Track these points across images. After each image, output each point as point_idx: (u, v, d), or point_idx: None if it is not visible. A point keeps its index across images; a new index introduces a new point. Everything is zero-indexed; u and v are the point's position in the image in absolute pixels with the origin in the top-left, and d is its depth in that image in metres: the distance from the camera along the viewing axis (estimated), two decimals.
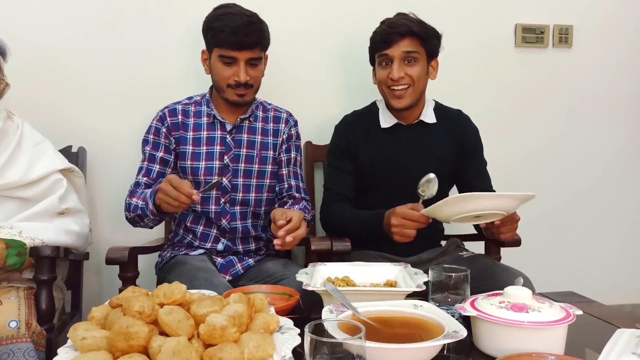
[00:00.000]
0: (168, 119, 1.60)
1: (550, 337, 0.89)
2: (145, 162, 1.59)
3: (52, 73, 1.86)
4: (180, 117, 1.60)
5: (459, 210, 1.25)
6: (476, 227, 1.67)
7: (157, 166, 1.58)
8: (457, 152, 1.65)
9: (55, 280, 1.38)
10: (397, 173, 1.61)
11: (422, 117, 1.63)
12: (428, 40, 1.56)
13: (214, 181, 1.48)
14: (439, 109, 1.68)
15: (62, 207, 1.46)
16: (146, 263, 1.73)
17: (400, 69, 1.53)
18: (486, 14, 2.14)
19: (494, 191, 1.64)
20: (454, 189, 1.74)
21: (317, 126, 1.99)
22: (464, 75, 2.10)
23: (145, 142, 1.60)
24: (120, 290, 1.39)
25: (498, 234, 1.40)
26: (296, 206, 1.60)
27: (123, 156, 1.91)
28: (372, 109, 1.71)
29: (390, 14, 1.62)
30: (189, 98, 1.66)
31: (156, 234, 1.89)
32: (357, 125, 1.68)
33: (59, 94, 1.87)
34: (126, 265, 1.46)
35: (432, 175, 1.41)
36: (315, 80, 2.03)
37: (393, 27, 1.54)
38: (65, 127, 1.86)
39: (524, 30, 2.16)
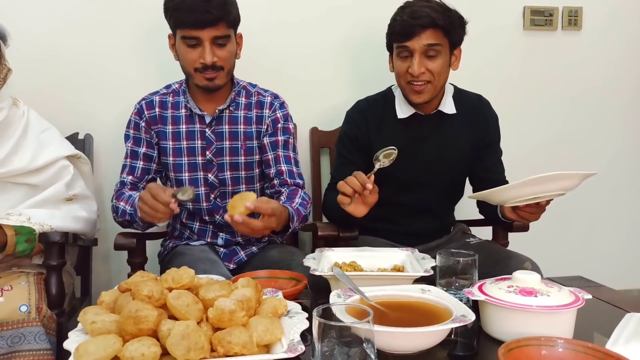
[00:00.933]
0: (145, 112, 1.51)
1: (559, 321, 0.89)
2: (128, 160, 1.52)
3: (58, 61, 1.85)
4: (157, 109, 1.52)
5: (523, 194, 1.19)
6: (487, 213, 1.58)
7: (141, 162, 1.52)
8: (476, 143, 1.57)
9: (64, 265, 1.39)
10: (412, 166, 1.52)
11: (441, 107, 1.54)
12: (452, 31, 1.45)
13: (187, 194, 1.22)
14: (458, 95, 1.59)
15: (70, 193, 1.47)
16: (154, 249, 1.74)
17: (420, 64, 1.42)
18: None
19: (507, 182, 1.60)
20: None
21: (324, 112, 1.98)
22: (472, 59, 2.06)
23: (126, 137, 1.53)
24: (129, 276, 1.41)
25: (529, 217, 1.32)
26: (295, 199, 1.46)
27: None
28: (388, 95, 1.61)
29: None
30: (167, 87, 1.57)
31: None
32: (370, 114, 1.58)
33: (66, 82, 1.86)
34: (134, 251, 1.48)
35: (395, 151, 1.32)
36: (322, 65, 2.01)
37: (415, 18, 1.40)
38: (72, 115, 1.85)
39: (532, 12, 2.12)
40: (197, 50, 1.40)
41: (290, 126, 1.60)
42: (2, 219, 1.31)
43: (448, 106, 1.55)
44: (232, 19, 1.43)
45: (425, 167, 1.55)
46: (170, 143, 1.52)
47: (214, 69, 1.42)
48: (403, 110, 1.55)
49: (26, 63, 1.81)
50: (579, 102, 2.22)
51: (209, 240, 1.59)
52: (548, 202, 1.26)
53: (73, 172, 1.50)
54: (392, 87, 1.63)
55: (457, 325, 0.84)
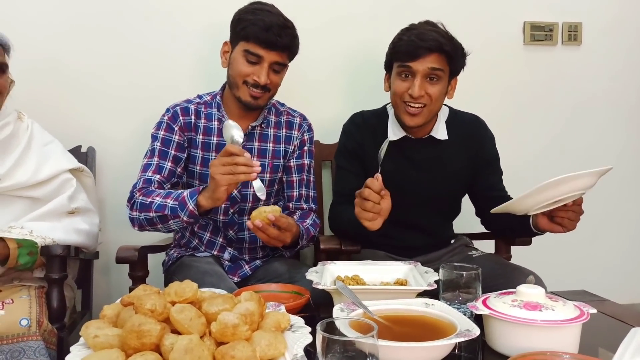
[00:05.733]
0: (181, 117, 1.52)
1: (564, 336, 0.88)
2: (156, 158, 1.49)
3: (61, 74, 1.87)
4: (193, 117, 1.53)
5: (543, 199, 1.21)
6: (507, 228, 1.55)
7: (169, 163, 1.49)
8: (471, 166, 1.57)
9: (66, 279, 1.39)
10: (403, 187, 1.50)
11: (432, 133, 1.54)
12: (455, 59, 1.45)
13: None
14: (452, 118, 1.59)
15: (72, 206, 1.47)
16: (155, 262, 1.73)
17: (421, 87, 1.42)
18: (494, 12, 2.12)
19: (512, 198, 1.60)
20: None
21: (324, 125, 1.98)
22: (472, 74, 2.05)
23: (154, 138, 1.51)
24: (131, 289, 1.40)
25: (567, 223, 1.33)
26: (306, 220, 1.54)
27: (132, 156, 1.90)
28: (382, 115, 1.61)
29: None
30: (199, 97, 1.59)
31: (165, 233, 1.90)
32: (365, 129, 1.59)
33: (69, 95, 1.87)
34: (136, 264, 1.46)
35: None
36: (323, 78, 2.03)
37: (422, 40, 1.40)
38: (75, 128, 1.86)
39: (532, 28, 2.14)
40: (254, 67, 1.44)
41: (313, 149, 1.67)
42: (4, 232, 1.31)
43: (440, 132, 1.55)
44: (294, 52, 1.51)
45: (417, 188, 1.54)
46: (200, 152, 1.53)
47: (263, 89, 1.46)
48: (395, 132, 1.55)
49: (29, 75, 1.82)
50: (579, 116, 2.23)
51: (215, 252, 1.59)
52: (579, 204, 1.30)
53: (75, 186, 1.50)
54: (387, 106, 1.62)
55: (462, 339, 0.83)
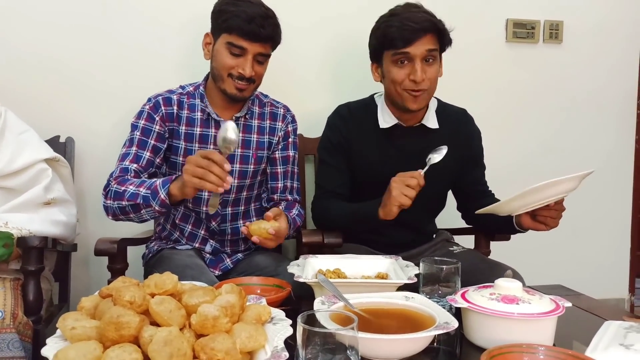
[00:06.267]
0: (162, 107, 1.49)
1: (540, 329, 0.90)
2: (134, 148, 1.45)
3: (41, 64, 1.83)
4: (175, 107, 1.50)
5: (528, 202, 1.25)
6: (490, 224, 1.57)
7: (148, 153, 1.46)
8: (459, 159, 1.56)
9: (42, 271, 1.36)
10: (392, 176, 1.46)
11: (424, 121, 1.53)
12: (445, 36, 1.44)
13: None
14: (442, 109, 1.58)
15: (48, 197, 1.44)
16: (134, 255, 1.71)
17: (422, 70, 1.40)
18: (477, 9, 2.14)
19: (493, 195, 1.63)
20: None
21: (307, 118, 1.97)
22: (455, 70, 2.09)
23: (134, 127, 1.48)
24: (109, 282, 1.39)
25: (550, 222, 1.36)
26: (292, 211, 1.56)
27: (112, 148, 1.87)
28: (370, 104, 1.58)
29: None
30: (182, 87, 1.56)
31: (145, 226, 1.87)
32: (351, 121, 1.56)
33: (48, 85, 1.84)
34: (115, 257, 1.45)
35: (446, 147, 1.35)
36: (305, 72, 2.02)
37: (415, 22, 1.37)
38: (54, 118, 1.83)
39: (515, 25, 2.17)
40: (238, 59, 1.42)
41: (297, 140, 1.66)
42: None
43: (431, 120, 1.54)
44: (277, 42, 1.49)
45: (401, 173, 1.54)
46: (183, 143, 1.51)
47: (247, 81, 1.44)
48: (385, 120, 1.53)
49: (7, 63, 1.78)
50: (561, 112, 2.26)
51: (197, 245, 1.58)
52: (560, 203, 1.33)
53: (52, 176, 1.48)
54: (375, 96, 1.61)
55: (440, 332, 0.84)
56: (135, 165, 1.44)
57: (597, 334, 0.90)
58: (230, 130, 1.22)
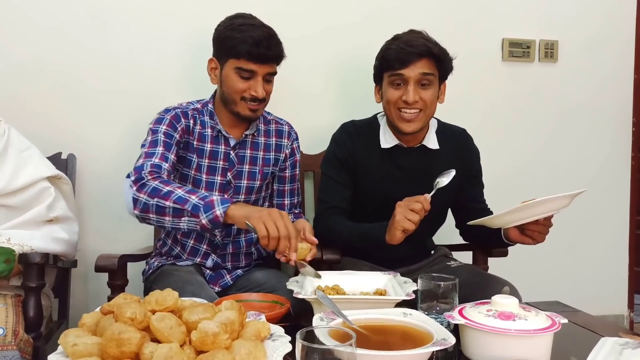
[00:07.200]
0: (182, 120, 1.49)
1: (537, 345, 0.91)
2: (160, 148, 1.40)
3: (42, 80, 1.85)
4: (191, 122, 1.51)
5: (518, 218, 1.29)
6: (481, 238, 1.62)
7: (172, 156, 1.42)
8: (459, 177, 1.53)
9: (43, 287, 1.37)
10: (395, 196, 1.46)
11: (424, 142, 1.56)
12: (444, 63, 1.48)
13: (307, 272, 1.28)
14: (442, 129, 1.61)
15: (51, 215, 1.45)
16: (134, 271, 1.72)
17: (415, 92, 1.44)
18: (474, 29, 2.18)
19: (491, 212, 1.64)
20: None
21: (307, 135, 1.99)
22: (452, 89, 2.12)
23: (155, 131, 1.44)
24: (109, 298, 1.39)
25: (537, 236, 1.38)
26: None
27: (112, 163, 1.90)
28: (374, 124, 1.61)
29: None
30: (191, 103, 1.57)
31: (145, 241, 1.89)
32: (357, 138, 1.58)
33: (50, 101, 1.86)
34: (115, 273, 1.46)
35: (453, 171, 1.37)
36: (307, 89, 2.05)
37: (411, 46, 1.43)
38: (55, 134, 1.85)
39: (510, 44, 2.21)
40: (249, 82, 1.44)
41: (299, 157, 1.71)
42: None
43: (432, 141, 1.57)
44: (282, 58, 1.51)
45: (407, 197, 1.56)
46: (196, 158, 1.52)
47: (259, 102, 1.47)
48: (387, 140, 1.56)
49: (9, 78, 1.80)
50: (556, 130, 2.29)
51: (198, 260, 1.58)
52: (549, 220, 1.36)
53: (54, 194, 1.48)
54: (378, 115, 1.64)
55: (438, 348, 0.85)
56: (166, 164, 1.39)
57: (593, 351, 0.91)
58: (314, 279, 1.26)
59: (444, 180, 1.36)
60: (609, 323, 1.34)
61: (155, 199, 1.27)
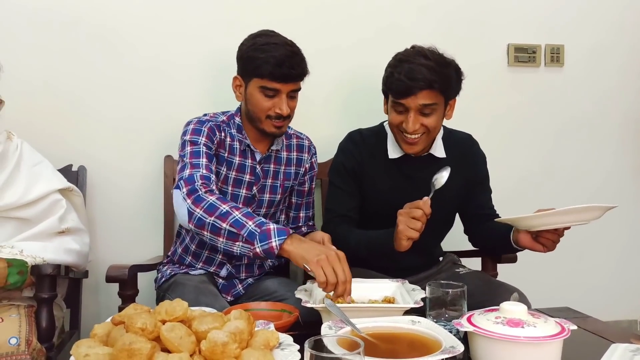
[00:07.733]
0: (217, 133, 1.50)
1: (546, 352, 0.91)
2: (204, 160, 1.40)
3: (53, 93, 1.88)
4: (222, 134, 1.52)
5: (548, 222, 1.27)
6: (490, 242, 1.60)
7: (214, 168, 1.45)
8: (466, 184, 1.59)
9: (55, 298, 1.39)
10: (401, 205, 1.42)
11: (431, 151, 1.56)
12: (448, 90, 1.45)
13: None
14: (447, 136, 1.62)
15: (62, 227, 1.47)
16: (145, 281, 1.73)
17: (415, 121, 1.42)
18: (479, 34, 2.19)
19: (499, 216, 1.62)
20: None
21: (314, 143, 2.01)
22: (459, 94, 2.14)
23: (194, 142, 1.45)
24: (120, 309, 1.41)
25: (550, 245, 1.36)
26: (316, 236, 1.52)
27: (123, 175, 1.93)
28: (380, 132, 1.62)
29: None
30: (216, 115, 1.57)
31: (155, 251, 1.90)
32: (364, 147, 1.59)
33: (60, 114, 1.89)
34: (126, 283, 1.47)
35: (448, 168, 1.37)
36: (315, 99, 2.05)
37: (412, 79, 1.39)
38: (66, 147, 1.87)
39: (516, 50, 2.21)
40: (272, 100, 1.45)
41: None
42: None
43: (438, 150, 1.57)
44: (306, 75, 1.50)
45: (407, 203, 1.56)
46: (225, 170, 1.52)
47: (284, 119, 1.48)
48: (394, 150, 1.57)
49: (22, 96, 1.83)
50: (563, 135, 2.28)
51: (212, 269, 1.58)
52: (563, 230, 1.34)
53: (66, 206, 1.50)
54: (385, 124, 1.64)
55: (446, 356, 0.85)
56: (213, 176, 1.40)
57: (604, 357, 0.91)
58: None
59: (440, 179, 1.35)
60: (620, 329, 1.33)
61: (212, 218, 1.25)
